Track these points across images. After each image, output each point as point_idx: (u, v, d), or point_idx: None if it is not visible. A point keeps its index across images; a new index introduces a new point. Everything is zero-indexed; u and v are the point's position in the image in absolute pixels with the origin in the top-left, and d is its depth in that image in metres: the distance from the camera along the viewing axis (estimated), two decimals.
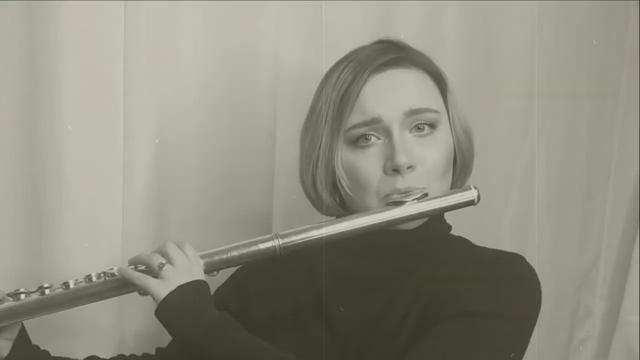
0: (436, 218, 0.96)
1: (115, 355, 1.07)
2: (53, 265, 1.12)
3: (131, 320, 1.19)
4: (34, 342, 0.97)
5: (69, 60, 1.08)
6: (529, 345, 0.92)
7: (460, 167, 0.97)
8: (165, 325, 0.86)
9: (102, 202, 1.14)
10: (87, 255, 1.13)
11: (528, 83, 1.36)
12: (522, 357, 0.90)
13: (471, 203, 0.92)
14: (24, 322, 0.94)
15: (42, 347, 0.99)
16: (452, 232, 1.00)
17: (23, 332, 0.94)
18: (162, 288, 0.86)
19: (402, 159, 0.89)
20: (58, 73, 1.08)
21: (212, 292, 0.93)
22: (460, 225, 1.00)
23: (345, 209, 0.96)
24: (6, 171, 1.10)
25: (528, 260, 0.93)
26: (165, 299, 0.85)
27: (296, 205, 1.01)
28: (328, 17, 1.21)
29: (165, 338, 1.04)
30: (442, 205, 0.91)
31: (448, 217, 0.99)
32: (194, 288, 0.86)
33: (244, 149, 1.22)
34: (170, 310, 0.85)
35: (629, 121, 1.42)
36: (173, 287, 0.85)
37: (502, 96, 1.35)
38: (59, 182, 1.11)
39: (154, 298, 0.86)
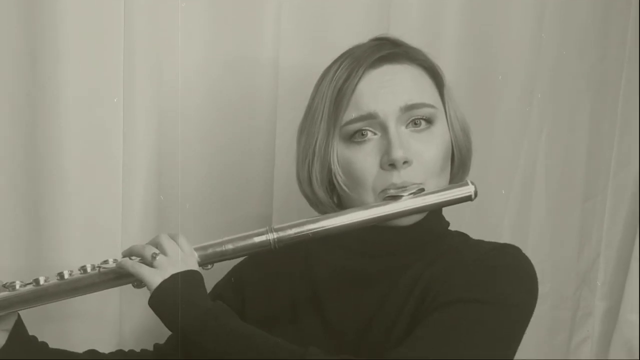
0: (433, 214, 0.95)
1: (114, 350, 1.07)
2: (52, 265, 1.11)
3: (131, 316, 1.19)
4: (32, 334, 0.97)
5: (69, 60, 1.08)
6: (529, 345, 0.91)
7: (458, 164, 0.96)
8: (158, 314, 0.85)
9: (102, 202, 1.13)
10: (87, 255, 1.12)
11: (528, 82, 1.36)
12: (518, 345, 0.88)
13: (468, 199, 0.90)
14: (20, 314, 0.94)
15: (41, 339, 0.98)
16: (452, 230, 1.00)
17: (19, 323, 0.94)
18: (156, 276, 0.85)
19: (398, 153, 0.88)
20: (58, 73, 1.08)
21: (209, 289, 0.93)
22: (460, 224, 1.00)
23: (342, 207, 0.95)
24: (6, 170, 1.10)
25: None
26: (159, 287, 0.85)
27: (296, 205, 1.01)
28: (328, 17, 1.21)
29: (163, 335, 1.04)
30: (438, 201, 0.90)
31: (448, 215, 0.98)
32: (187, 277, 0.86)
33: (244, 149, 1.22)
34: (163, 298, 0.84)
35: (629, 121, 1.43)
36: (167, 276, 0.85)
37: (502, 95, 1.35)
38: (59, 181, 1.10)
39: (147, 286, 0.86)
